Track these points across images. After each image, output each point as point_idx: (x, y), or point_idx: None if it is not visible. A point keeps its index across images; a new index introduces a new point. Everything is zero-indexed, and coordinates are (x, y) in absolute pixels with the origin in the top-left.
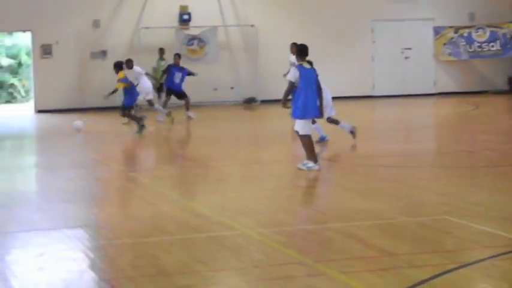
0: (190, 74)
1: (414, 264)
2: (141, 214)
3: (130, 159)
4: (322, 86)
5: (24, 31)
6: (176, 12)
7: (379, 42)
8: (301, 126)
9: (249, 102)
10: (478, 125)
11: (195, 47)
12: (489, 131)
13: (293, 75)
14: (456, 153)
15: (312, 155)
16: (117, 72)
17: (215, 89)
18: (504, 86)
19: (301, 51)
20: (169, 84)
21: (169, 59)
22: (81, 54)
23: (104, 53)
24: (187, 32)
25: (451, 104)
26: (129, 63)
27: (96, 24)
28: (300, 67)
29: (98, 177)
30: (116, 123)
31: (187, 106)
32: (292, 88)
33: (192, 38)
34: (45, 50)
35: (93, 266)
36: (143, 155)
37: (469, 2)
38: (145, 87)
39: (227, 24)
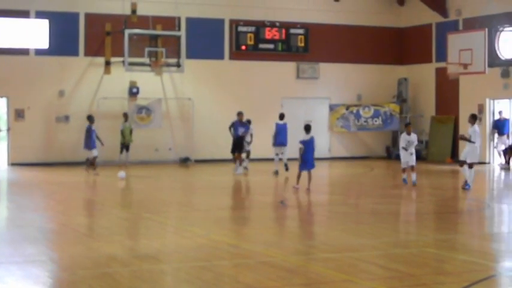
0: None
1: (435, 281)
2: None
3: (85, 204)
4: None
5: (0, 97)
6: (127, 86)
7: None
8: None
9: (184, 161)
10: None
11: (143, 115)
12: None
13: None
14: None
15: None
16: None
17: (156, 150)
18: (383, 153)
19: None
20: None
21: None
22: (48, 118)
23: (67, 118)
24: (137, 102)
25: (350, 166)
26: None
27: (61, 93)
28: None
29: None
30: (75, 175)
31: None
32: None
33: (141, 108)
34: (19, 114)
35: None
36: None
37: (357, 85)
38: None
39: (168, 97)
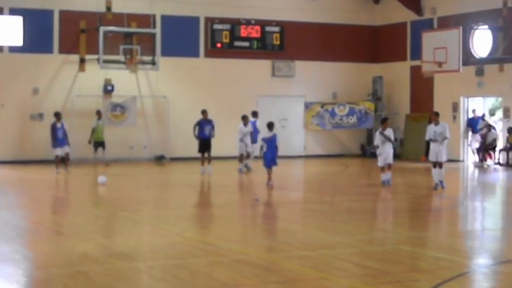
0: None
1: (410, 278)
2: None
3: (59, 202)
4: None
5: None
6: (102, 83)
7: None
8: None
9: (159, 159)
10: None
11: (117, 112)
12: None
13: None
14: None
15: None
16: None
17: (131, 148)
18: (358, 151)
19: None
20: (202, 135)
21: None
22: (22, 115)
23: (41, 116)
24: (111, 100)
25: (325, 164)
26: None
27: (35, 91)
28: None
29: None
30: (49, 173)
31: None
32: None
33: (115, 105)
34: None
35: None
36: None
37: (333, 83)
38: None
39: (143, 94)
